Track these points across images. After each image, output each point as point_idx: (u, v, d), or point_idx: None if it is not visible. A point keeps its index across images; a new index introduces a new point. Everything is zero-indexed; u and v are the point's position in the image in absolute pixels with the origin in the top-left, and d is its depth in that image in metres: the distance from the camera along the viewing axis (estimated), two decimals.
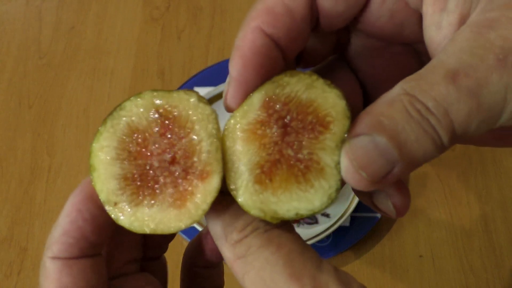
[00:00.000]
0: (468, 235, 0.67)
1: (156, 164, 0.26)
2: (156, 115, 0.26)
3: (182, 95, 0.26)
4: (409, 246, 0.67)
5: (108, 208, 0.27)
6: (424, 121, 0.23)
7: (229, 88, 0.27)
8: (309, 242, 0.63)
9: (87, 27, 0.86)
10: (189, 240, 0.66)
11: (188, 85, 0.78)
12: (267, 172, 0.26)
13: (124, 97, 0.79)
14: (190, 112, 0.26)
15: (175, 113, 0.26)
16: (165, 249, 0.35)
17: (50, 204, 0.71)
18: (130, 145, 0.27)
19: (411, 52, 0.30)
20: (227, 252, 0.27)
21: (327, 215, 0.67)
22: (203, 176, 0.26)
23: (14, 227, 0.70)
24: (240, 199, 0.26)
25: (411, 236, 0.67)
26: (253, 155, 0.26)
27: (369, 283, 0.65)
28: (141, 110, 0.27)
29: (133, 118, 0.27)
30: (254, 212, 0.26)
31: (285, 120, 0.26)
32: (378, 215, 0.67)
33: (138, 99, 0.27)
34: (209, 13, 0.86)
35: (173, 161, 0.26)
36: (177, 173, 0.26)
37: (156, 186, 0.26)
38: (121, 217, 0.26)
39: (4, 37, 0.86)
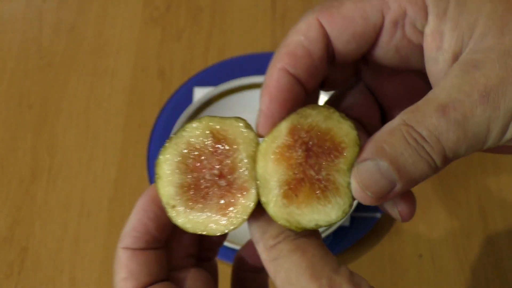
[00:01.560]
0: (468, 235, 0.67)
1: (207, 177, 0.32)
2: (210, 137, 0.33)
3: (233, 121, 0.33)
4: (409, 246, 0.67)
5: (167, 209, 0.33)
6: (420, 148, 0.28)
7: (260, 119, 0.32)
8: None
9: (87, 27, 0.86)
10: None
11: (188, 85, 0.78)
12: (293, 189, 0.31)
13: (124, 97, 0.79)
14: (238, 135, 0.32)
15: (225, 136, 0.32)
16: (216, 251, 0.40)
17: (50, 204, 0.71)
18: (188, 160, 0.33)
19: (419, 75, 0.35)
20: (264, 255, 0.32)
21: None
22: (243, 190, 0.32)
23: (14, 227, 0.70)
24: (270, 211, 0.31)
25: (411, 236, 0.67)
26: (282, 174, 0.31)
27: (369, 282, 0.65)
28: (199, 132, 0.33)
29: (192, 137, 0.33)
30: (281, 222, 0.31)
31: (308, 145, 0.31)
32: (378, 215, 0.67)
33: (198, 123, 0.33)
34: (209, 13, 0.86)
35: (220, 175, 0.32)
36: (223, 185, 0.32)
37: (207, 195, 0.32)
38: (177, 218, 0.32)
39: (4, 37, 0.86)
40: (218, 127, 0.32)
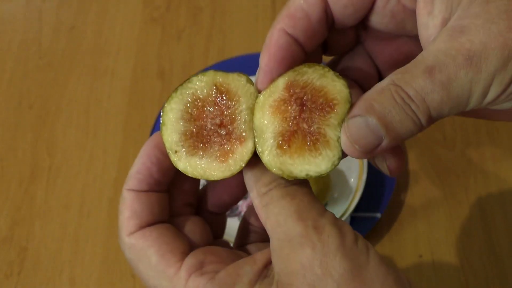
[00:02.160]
0: (468, 235, 0.67)
1: (209, 125, 0.34)
2: (214, 89, 0.34)
3: (235, 76, 0.34)
4: (409, 246, 0.67)
5: (170, 154, 0.34)
6: (407, 107, 0.30)
7: (259, 75, 0.34)
8: None
9: (87, 27, 0.86)
10: None
11: None
12: (287, 140, 0.33)
13: (124, 97, 0.79)
14: (239, 89, 0.34)
15: (228, 88, 0.34)
16: (225, 209, 0.43)
17: (50, 204, 0.71)
18: (192, 109, 0.34)
19: (415, 41, 0.36)
20: (256, 200, 0.34)
21: None
22: (241, 139, 0.34)
23: (14, 227, 0.70)
24: (265, 160, 0.33)
25: (411, 236, 0.67)
26: (276, 126, 0.33)
27: None
28: (203, 83, 0.34)
29: (197, 89, 0.34)
30: (275, 170, 0.33)
31: (302, 100, 0.33)
32: (378, 215, 0.67)
33: (203, 75, 0.34)
34: (209, 13, 0.86)
35: (221, 125, 0.34)
36: (223, 134, 0.34)
37: (208, 143, 0.34)
38: (179, 162, 0.34)
39: (4, 37, 0.86)
40: (221, 80, 0.34)
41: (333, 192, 0.69)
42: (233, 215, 0.69)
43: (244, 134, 0.34)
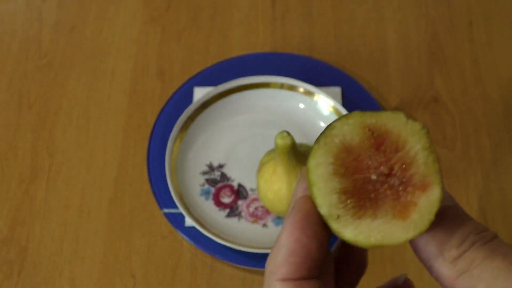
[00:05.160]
0: None
1: (374, 177, 0.28)
2: (368, 132, 0.28)
3: (389, 114, 0.28)
4: (409, 246, 0.67)
5: (329, 221, 0.27)
6: None
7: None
8: None
9: (87, 27, 0.86)
10: (190, 241, 0.66)
11: (188, 85, 0.78)
12: None
13: (124, 97, 0.79)
14: (401, 128, 0.28)
15: (386, 129, 0.28)
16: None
17: (50, 204, 0.71)
18: (346, 161, 0.28)
19: None
20: (446, 270, 0.27)
21: None
22: (424, 187, 0.27)
23: (14, 227, 0.70)
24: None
25: None
26: None
27: (369, 283, 0.65)
28: (352, 128, 0.28)
29: (345, 135, 0.28)
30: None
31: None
32: None
33: (348, 119, 0.28)
34: (209, 13, 0.86)
35: (390, 174, 0.28)
36: (396, 185, 0.28)
37: (377, 198, 0.28)
38: (344, 230, 0.27)
39: (4, 37, 0.86)
40: (374, 121, 0.28)
41: None
42: (233, 215, 0.69)
43: (427, 179, 0.27)
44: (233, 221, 0.68)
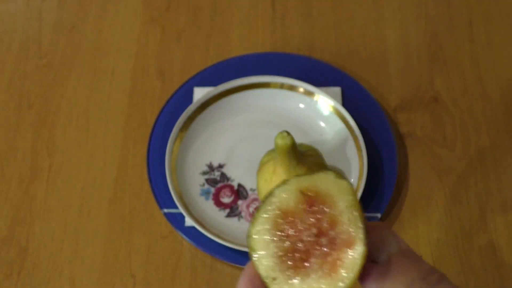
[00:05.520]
0: (468, 235, 0.67)
1: (305, 238, 0.31)
2: (301, 196, 0.31)
3: (321, 175, 0.31)
4: (409, 246, 0.67)
5: (269, 284, 0.30)
6: None
7: None
8: None
9: (87, 27, 0.86)
10: (190, 241, 0.66)
11: (188, 85, 0.78)
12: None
13: (124, 97, 0.79)
14: (330, 187, 0.31)
15: (317, 190, 0.31)
16: None
17: (50, 204, 0.71)
18: (282, 226, 0.31)
19: None
20: None
21: None
22: (349, 243, 0.30)
23: (14, 227, 0.70)
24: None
25: (411, 236, 0.67)
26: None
27: None
28: (288, 193, 0.31)
29: (282, 202, 0.31)
30: None
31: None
32: (378, 215, 0.67)
33: (286, 185, 0.32)
34: (209, 13, 0.86)
35: (319, 234, 0.30)
36: (325, 243, 0.30)
37: (309, 258, 0.30)
38: None
39: (4, 37, 0.86)
40: (306, 184, 0.31)
41: None
42: (233, 215, 0.69)
43: (352, 235, 0.30)
44: (233, 221, 0.68)
